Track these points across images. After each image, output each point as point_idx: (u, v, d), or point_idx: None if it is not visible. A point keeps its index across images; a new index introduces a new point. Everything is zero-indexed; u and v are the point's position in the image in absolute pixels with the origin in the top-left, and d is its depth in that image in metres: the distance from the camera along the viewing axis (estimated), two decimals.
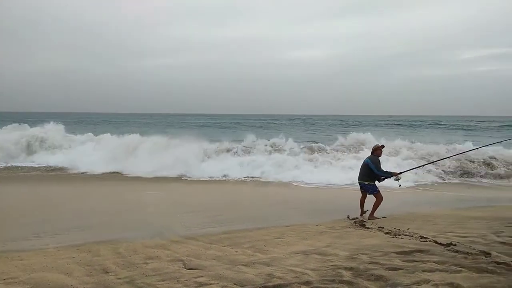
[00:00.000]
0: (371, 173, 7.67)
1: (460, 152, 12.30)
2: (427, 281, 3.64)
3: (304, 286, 3.70)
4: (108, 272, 4.40)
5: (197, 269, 4.42)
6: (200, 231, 6.57)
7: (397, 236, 5.84)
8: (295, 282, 3.81)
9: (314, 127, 46.22)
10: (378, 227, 6.63)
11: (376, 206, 7.63)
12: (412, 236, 5.77)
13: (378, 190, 7.67)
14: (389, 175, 7.65)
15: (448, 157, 10.65)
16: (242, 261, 4.71)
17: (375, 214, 7.58)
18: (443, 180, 13.39)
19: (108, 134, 20.66)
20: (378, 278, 3.84)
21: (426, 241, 5.37)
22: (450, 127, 46.49)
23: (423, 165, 10.64)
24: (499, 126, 46.48)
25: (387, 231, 6.26)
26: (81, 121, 56.37)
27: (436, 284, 3.57)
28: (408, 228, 6.31)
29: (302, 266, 4.41)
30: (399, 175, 7.62)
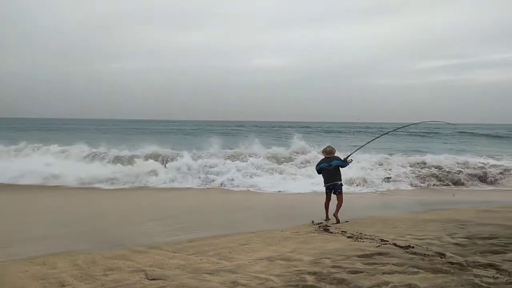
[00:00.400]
0: (340, 171, 8.17)
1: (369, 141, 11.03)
2: (386, 283, 3.76)
3: None
4: (65, 286, 4.19)
5: (160, 279, 4.30)
6: (163, 239, 6.42)
7: (359, 240, 5.99)
8: None
9: (278, 134, 46.69)
10: (341, 231, 6.78)
11: (340, 205, 8.03)
12: (373, 239, 5.94)
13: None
14: (348, 162, 8.30)
15: (369, 142, 10.11)
16: (207, 269, 4.64)
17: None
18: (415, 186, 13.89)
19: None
20: (341, 281, 3.92)
21: (386, 244, 5.55)
22: (410, 133, 48.81)
23: (362, 146, 9.78)
24: (458, 132, 49.24)
25: (349, 235, 6.41)
26: (29, 128, 52.43)
27: (395, 285, 3.68)
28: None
29: (266, 272, 4.41)
30: (350, 159, 8.45)
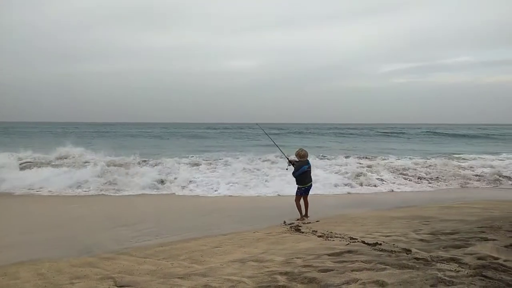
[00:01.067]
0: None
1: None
2: (355, 280, 3.85)
3: None
4: None
5: (129, 286, 4.20)
6: (132, 245, 6.28)
7: (329, 239, 6.10)
8: None
9: (246, 134, 46.83)
10: (312, 231, 6.88)
11: (308, 204, 8.59)
12: (343, 238, 6.07)
13: None
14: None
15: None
16: (178, 273, 4.58)
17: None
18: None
19: None
20: (311, 280, 3.98)
21: (355, 242, 5.69)
22: (377, 133, 50.49)
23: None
24: (423, 133, 51.22)
25: (320, 234, 6.52)
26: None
27: (364, 282, 3.78)
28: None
29: (238, 274, 4.41)
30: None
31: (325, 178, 13.44)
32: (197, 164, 15.82)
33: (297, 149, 8.74)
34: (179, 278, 4.39)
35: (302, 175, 8.47)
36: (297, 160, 8.62)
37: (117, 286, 4.22)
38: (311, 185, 8.62)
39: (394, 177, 14.67)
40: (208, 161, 16.51)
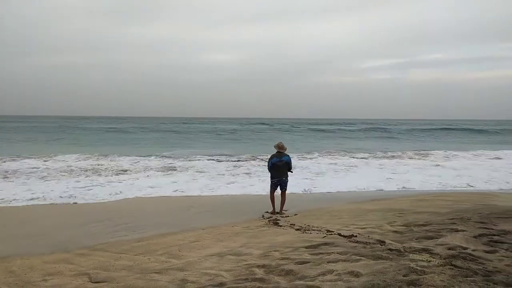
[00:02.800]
0: (289, 168, 8.48)
1: None
2: (331, 271, 3.92)
3: None
4: None
5: (105, 281, 4.14)
6: (108, 240, 6.18)
7: (307, 232, 6.19)
8: (209, 285, 3.80)
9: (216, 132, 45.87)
10: (290, 224, 6.95)
11: (285, 200, 8.43)
12: (320, 230, 6.17)
13: None
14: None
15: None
16: (155, 268, 4.54)
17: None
18: None
19: None
20: (288, 272, 4.03)
21: (332, 234, 5.79)
22: (365, 129, 51.47)
23: None
24: (411, 129, 52.36)
25: (298, 227, 6.60)
26: None
27: (339, 273, 3.86)
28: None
29: (216, 268, 4.42)
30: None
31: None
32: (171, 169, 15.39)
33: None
34: (156, 273, 4.36)
35: (273, 168, 8.41)
36: (276, 151, 8.54)
37: (92, 282, 4.15)
38: (282, 181, 8.36)
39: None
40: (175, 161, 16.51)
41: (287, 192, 8.56)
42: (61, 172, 13.68)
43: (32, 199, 9.58)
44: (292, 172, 8.61)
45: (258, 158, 14.37)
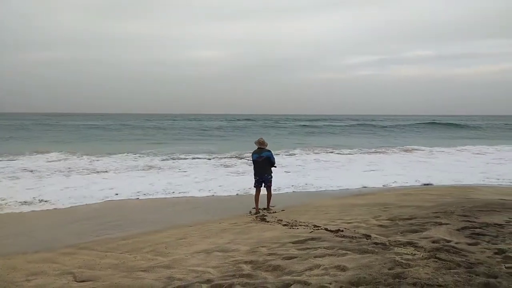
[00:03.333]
0: (271, 164, 8.29)
1: None
2: (318, 266, 3.95)
3: (205, 285, 3.70)
4: None
5: (90, 280, 4.08)
6: (94, 239, 6.09)
7: (294, 227, 6.22)
8: (196, 282, 3.78)
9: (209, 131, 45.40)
10: (277, 220, 6.97)
11: (270, 197, 8.31)
12: (307, 225, 6.20)
13: None
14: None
15: None
16: (141, 266, 4.50)
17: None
18: None
19: None
20: (276, 268, 4.04)
21: (318, 229, 5.83)
22: (351, 125, 51.87)
23: None
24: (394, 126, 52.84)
25: (285, 223, 6.62)
26: None
27: (326, 267, 3.89)
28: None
29: (203, 265, 4.40)
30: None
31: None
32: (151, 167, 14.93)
33: None
34: (142, 271, 4.32)
35: (253, 165, 8.31)
36: (257, 147, 8.35)
37: (77, 281, 4.09)
38: (267, 176, 8.18)
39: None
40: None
41: (272, 187, 8.40)
42: (30, 171, 13.08)
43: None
44: (275, 167, 8.45)
45: (243, 158, 14.33)
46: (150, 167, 14.47)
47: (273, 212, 7.83)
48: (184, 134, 37.23)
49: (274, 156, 8.44)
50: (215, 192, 10.25)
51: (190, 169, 14.14)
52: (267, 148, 8.41)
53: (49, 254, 5.25)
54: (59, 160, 16.03)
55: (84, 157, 16.87)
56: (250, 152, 8.81)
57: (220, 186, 10.94)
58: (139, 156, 17.60)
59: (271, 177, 8.32)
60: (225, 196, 9.97)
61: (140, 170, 13.92)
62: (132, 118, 79.07)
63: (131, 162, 15.65)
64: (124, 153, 18.36)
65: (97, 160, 15.94)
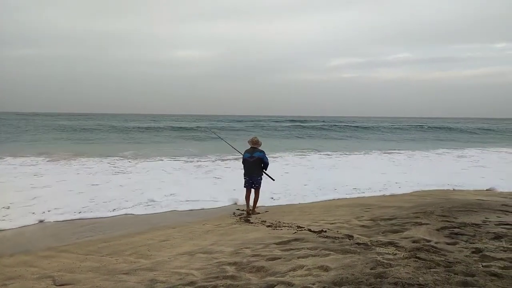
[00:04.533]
0: (262, 165, 7.98)
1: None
2: (301, 267, 3.98)
3: (189, 287, 3.67)
4: None
5: (70, 284, 4.00)
6: (75, 242, 5.96)
7: (278, 228, 6.24)
8: (179, 284, 3.75)
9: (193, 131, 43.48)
10: (261, 221, 6.98)
11: (257, 199, 8.03)
12: (290, 226, 6.23)
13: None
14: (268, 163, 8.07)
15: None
16: (123, 269, 4.43)
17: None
18: None
19: None
20: (259, 269, 4.04)
21: (302, 230, 5.87)
22: (329, 126, 52.19)
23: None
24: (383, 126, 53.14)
25: (269, 224, 6.64)
26: None
27: (309, 268, 3.92)
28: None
29: (187, 267, 4.37)
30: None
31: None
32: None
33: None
34: (124, 274, 4.25)
35: (243, 164, 8.03)
36: (249, 146, 8.09)
37: (56, 285, 4.00)
38: (256, 178, 7.92)
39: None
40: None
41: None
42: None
43: None
44: (265, 171, 8.04)
45: (225, 159, 14.11)
46: (124, 171, 14.23)
47: (257, 213, 7.82)
48: (164, 136, 35.47)
49: (268, 158, 8.06)
50: (191, 197, 10.14)
51: (169, 173, 14.00)
52: (261, 148, 8.08)
53: (26, 257, 5.11)
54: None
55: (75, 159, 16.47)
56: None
57: (196, 191, 10.85)
58: (121, 159, 17.27)
59: (261, 178, 8.01)
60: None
61: (119, 173, 13.68)
62: (111, 118, 76.26)
63: (108, 165, 15.37)
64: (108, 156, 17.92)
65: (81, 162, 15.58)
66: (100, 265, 4.65)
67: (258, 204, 8.15)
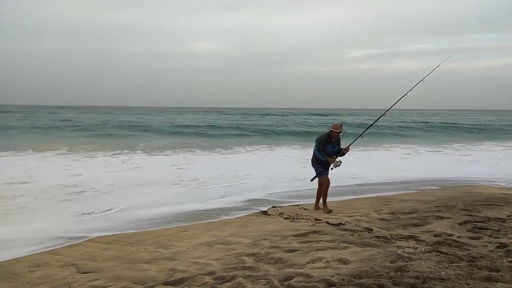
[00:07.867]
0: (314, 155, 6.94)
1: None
2: (320, 259, 3.97)
3: (208, 277, 3.71)
4: None
5: (93, 272, 4.10)
6: (95, 231, 6.10)
7: (295, 220, 6.23)
8: (199, 274, 3.80)
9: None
10: (279, 213, 6.98)
11: (320, 195, 7.05)
12: (308, 219, 6.21)
13: (326, 173, 6.92)
14: (325, 158, 6.74)
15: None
16: (144, 258, 4.52)
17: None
18: None
19: None
20: (278, 260, 4.06)
21: (320, 222, 5.84)
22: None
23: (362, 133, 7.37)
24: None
25: (286, 216, 6.63)
26: None
27: (328, 260, 3.91)
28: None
29: (206, 257, 4.42)
30: (337, 161, 6.72)
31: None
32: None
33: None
34: (145, 262, 4.34)
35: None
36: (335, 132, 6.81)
37: (80, 273, 4.11)
38: (315, 168, 7.08)
39: None
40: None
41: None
42: None
43: None
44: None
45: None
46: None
47: (274, 207, 7.78)
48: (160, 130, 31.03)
49: (317, 149, 6.86)
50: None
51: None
52: (329, 133, 6.84)
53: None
54: None
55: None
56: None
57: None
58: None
59: (317, 168, 7.00)
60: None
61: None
62: (110, 110, 74.24)
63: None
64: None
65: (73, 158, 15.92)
66: (122, 254, 4.76)
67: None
